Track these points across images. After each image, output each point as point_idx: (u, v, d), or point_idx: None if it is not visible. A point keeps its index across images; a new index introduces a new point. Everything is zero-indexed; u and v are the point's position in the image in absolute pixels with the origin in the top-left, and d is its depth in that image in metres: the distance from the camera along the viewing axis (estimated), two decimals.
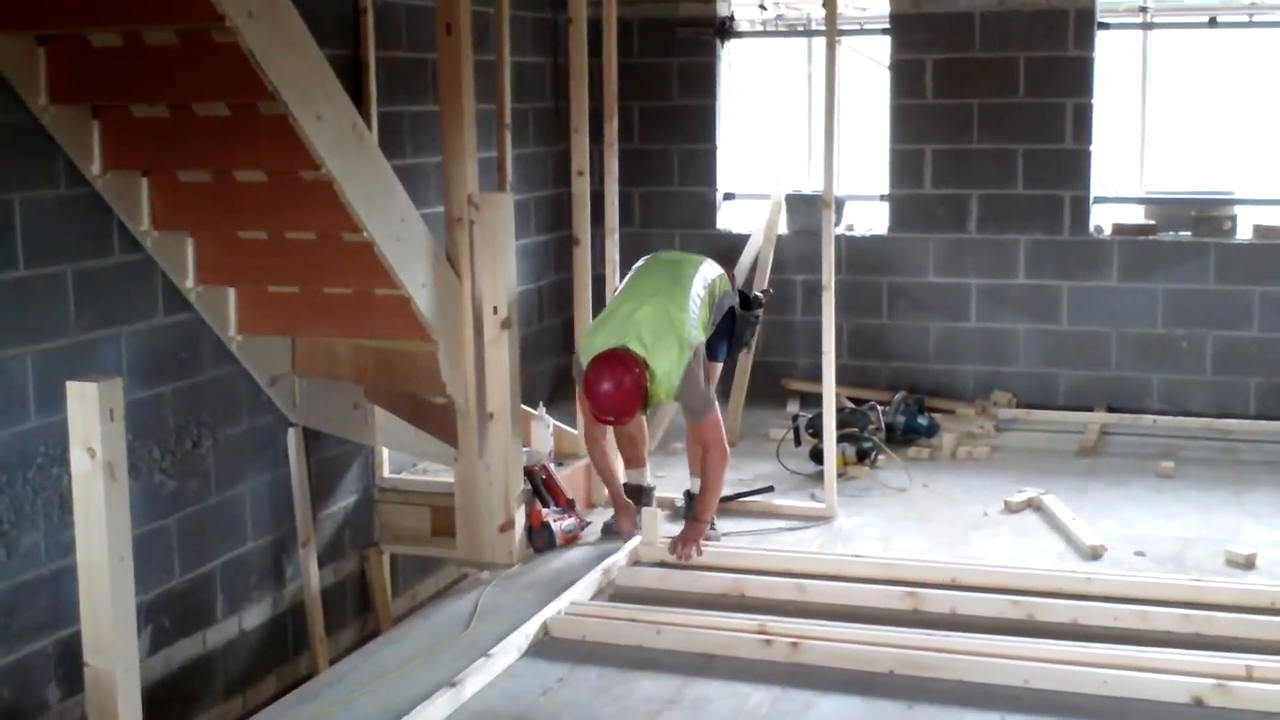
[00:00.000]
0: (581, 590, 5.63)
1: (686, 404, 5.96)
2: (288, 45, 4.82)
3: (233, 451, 6.00)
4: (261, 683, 6.19)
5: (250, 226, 5.70)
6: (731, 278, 6.43)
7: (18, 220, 4.98)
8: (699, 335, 5.93)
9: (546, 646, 5.21)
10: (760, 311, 6.55)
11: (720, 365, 6.39)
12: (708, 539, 6.22)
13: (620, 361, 5.70)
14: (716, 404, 6.05)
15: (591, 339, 5.92)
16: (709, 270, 6.20)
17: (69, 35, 5.00)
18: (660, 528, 6.13)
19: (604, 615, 5.39)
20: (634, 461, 6.45)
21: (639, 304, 5.90)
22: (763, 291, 6.92)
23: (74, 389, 3.98)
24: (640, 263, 6.39)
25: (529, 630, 5.21)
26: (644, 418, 6.33)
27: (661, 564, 5.99)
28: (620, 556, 6.00)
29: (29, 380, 5.02)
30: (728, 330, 6.32)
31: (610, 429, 6.25)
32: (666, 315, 5.85)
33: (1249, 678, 4.68)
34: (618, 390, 5.67)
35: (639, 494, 6.40)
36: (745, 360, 8.33)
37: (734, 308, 6.31)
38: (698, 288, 6.03)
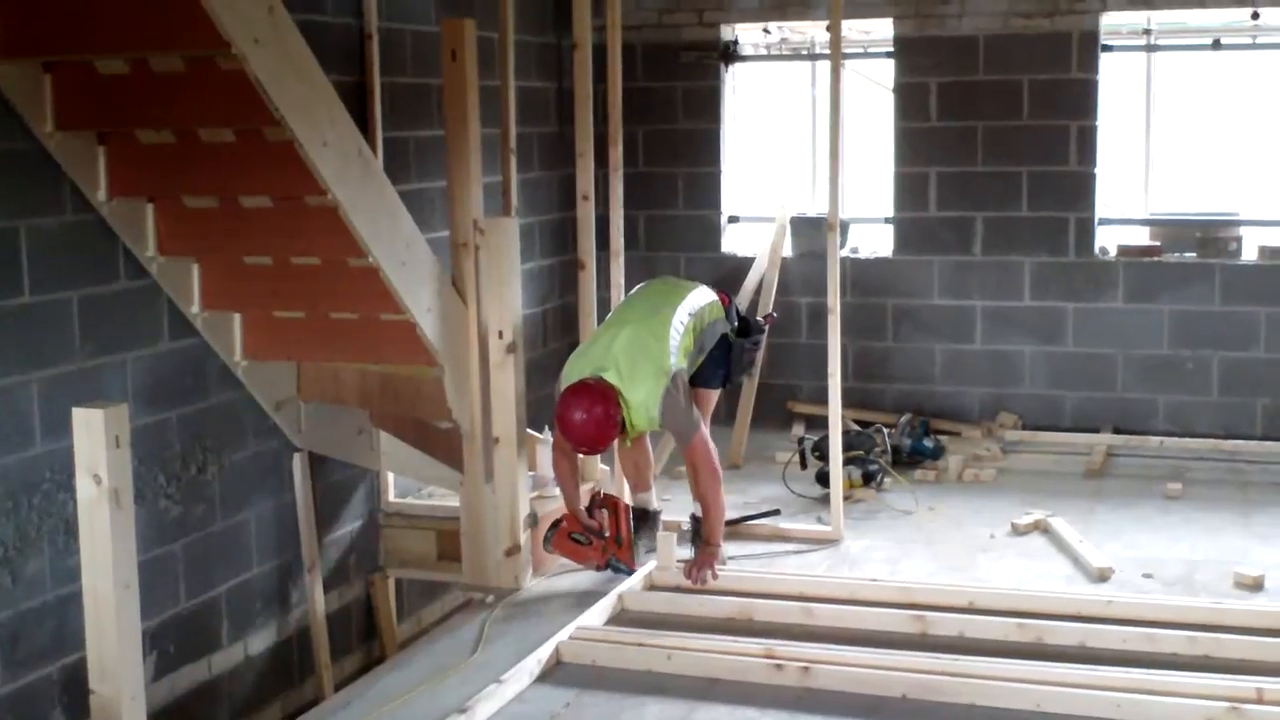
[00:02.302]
0: (594, 615, 5.62)
1: (671, 429, 5.96)
2: (293, 71, 4.82)
3: (238, 477, 6.00)
4: (266, 709, 6.17)
5: (255, 252, 5.70)
6: (728, 303, 6.37)
7: (23, 247, 4.98)
8: (679, 363, 5.90)
9: (553, 672, 5.19)
10: (762, 337, 6.51)
11: (716, 393, 6.34)
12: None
13: (592, 391, 5.71)
14: (703, 427, 6.01)
15: (570, 371, 5.93)
16: (699, 298, 6.18)
17: (75, 62, 5.00)
18: (673, 551, 6.10)
19: (612, 640, 5.37)
20: (640, 486, 6.43)
21: (617, 332, 5.91)
22: (765, 317, 6.89)
23: (80, 415, 3.98)
24: (637, 287, 6.43)
25: (541, 655, 5.19)
26: (646, 442, 6.31)
27: (677, 588, 5.97)
28: (635, 581, 5.98)
29: (34, 406, 5.02)
30: (723, 357, 6.26)
31: (616, 451, 6.24)
32: (643, 344, 5.85)
33: (1259, 700, 4.66)
34: (589, 420, 5.67)
35: (645, 518, 6.35)
36: (750, 384, 8.33)
37: (727, 336, 6.25)
38: (681, 315, 6.01)
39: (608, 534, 6.12)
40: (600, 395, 5.69)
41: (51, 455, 5.04)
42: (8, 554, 4.93)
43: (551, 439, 6.56)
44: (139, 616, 4.12)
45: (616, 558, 6.10)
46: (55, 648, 5.10)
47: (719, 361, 6.25)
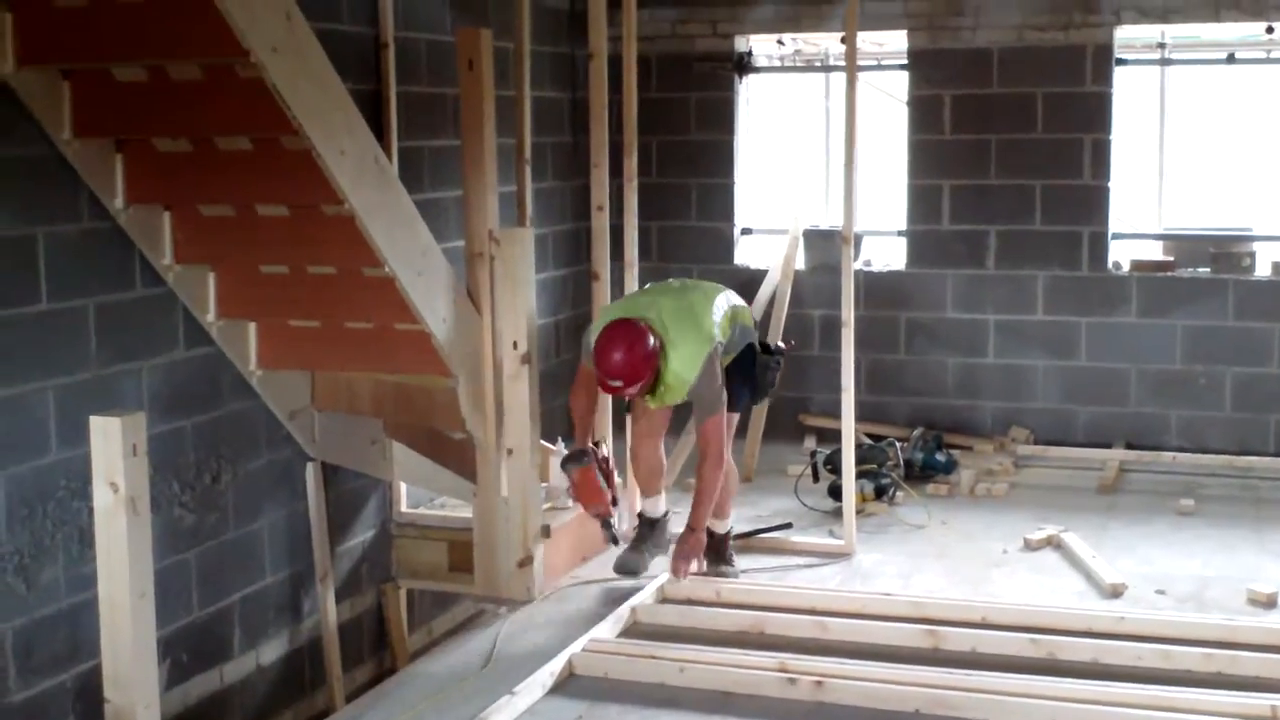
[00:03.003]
0: (606, 628, 5.61)
1: (698, 399, 5.81)
2: (311, 80, 4.84)
3: (252, 486, 6.00)
4: (277, 718, 6.17)
5: (272, 261, 5.71)
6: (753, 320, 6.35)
7: (40, 254, 4.99)
8: (720, 335, 5.82)
9: (566, 684, 5.18)
10: (781, 360, 6.44)
11: (736, 417, 6.17)
12: (723, 575, 6.20)
13: (635, 328, 5.64)
14: (725, 411, 5.89)
15: (608, 311, 5.86)
16: (733, 297, 6.14)
17: (94, 69, 5.02)
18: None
19: (625, 652, 5.37)
20: (650, 490, 6.31)
21: (659, 296, 5.89)
22: (785, 342, 6.83)
23: (97, 424, 3.98)
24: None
25: (554, 667, 5.18)
26: (661, 448, 6.25)
27: (689, 601, 5.94)
28: (647, 594, 5.97)
29: (50, 414, 5.02)
30: (749, 374, 6.13)
31: (629, 452, 6.17)
32: (689, 310, 5.81)
33: (1275, 718, 4.65)
34: (630, 353, 5.58)
35: (653, 526, 6.28)
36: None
37: (754, 345, 6.16)
38: (720, 302, 5.98)
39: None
40: (643, 332, 5.62)
41: (67, 463, 5.05)
42: (23, 561, 4.93)
43: (564, 448, 6.57)
44: (154, 625, 4.11)
45: (612, 518, 6.04)
46: (69, 655, 5.10)
47: (745, 378, 6.11)
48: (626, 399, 6.12)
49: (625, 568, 6.18)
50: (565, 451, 6.29)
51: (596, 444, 6.10)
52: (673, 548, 6.08)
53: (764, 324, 8.63)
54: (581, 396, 6.04)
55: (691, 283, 6.28)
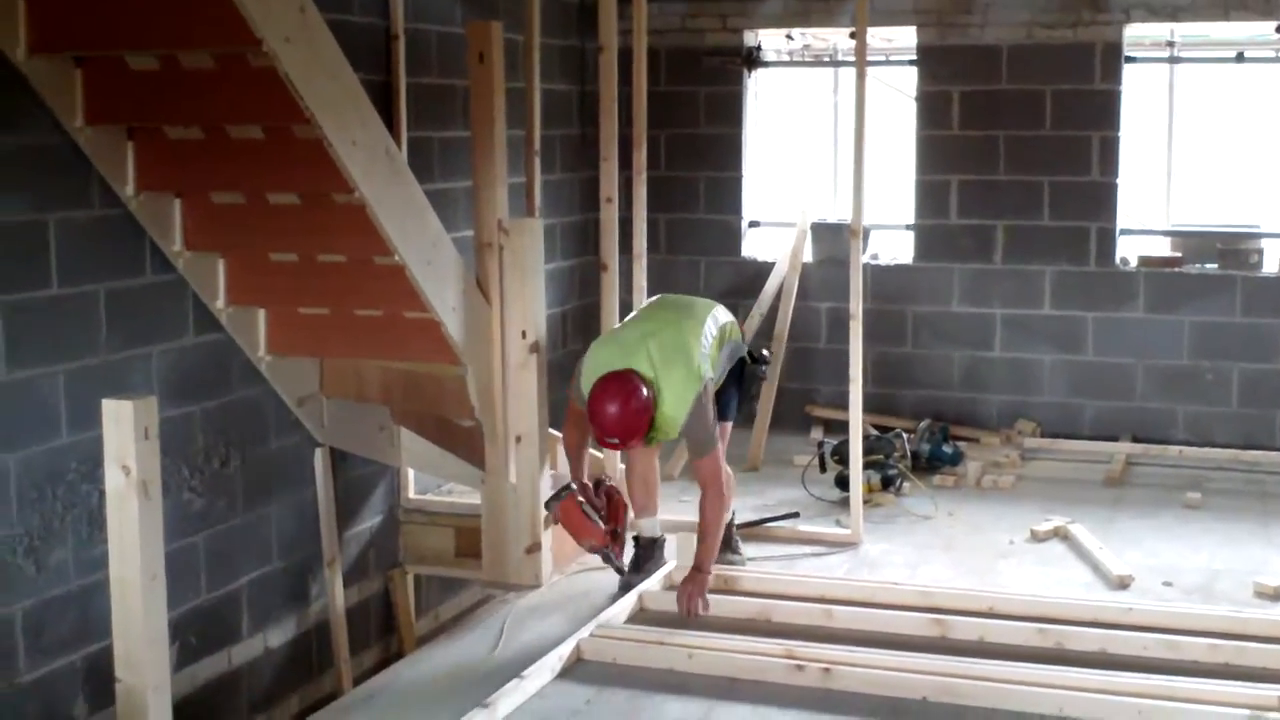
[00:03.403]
0: (614, 614, 5.63)
1: (690, 437, 5.77)
2: (323, 70, 4.85)
3: (260, 471, 6.02)
4: (285, 701, 6.19)
5: (282, 248, 5.73)
6: (741, 331, 6.26)
7: (52, 240, 5.01)
8: (709, 371, 5.75)
9: (574, 669, 5.20)
10: (765, 369, 6.39)
11: (729, 425, 6.11)
12: (729, 562, 6.21)
13: (627, 382, 5.55)
14: (720, 446, 5.82)
15: (597, 357, 5.75)
16: (721, 314, 6.06)
17: (106, 57, 5.04)
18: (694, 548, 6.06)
19: (634, 638, 5.39)
20: (647, 510, 6.21)
21: (651, 330, 5.77)
22: (766, 350, 6.79)
23: (109, 407, 4.00)
24: (648, 301, 6.37)
25: (562, 652, 5.21)
26: (656, 461, 6.19)
27: None
28: (654, 582, 5.98)
29: (60, 398, 5.04)
30: (736, 385, 6.09)
31: (625, 469, 6.16)
32: (679, 345, 5.70)
33: None
34: (624, 410, 5.49)
35: (651, 546, 6.20)
36: (769, 388, 8.34)
37: (744, 359, 6.12)
38: (710, 326, 5.89)
39: (607, 521, 5.91)
40: (635, 387, 5.53)
41: (77, 446, 5.07)
42: (32, 543, 4.96)
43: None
44: (165, 607, 4.14)
45: (613, 551, 5.93)
46: (78, 637, 5.12)
47: (733, 390, 6.06)
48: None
49: (629, 587, 6.02)
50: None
51: (599, 481, 6.03)
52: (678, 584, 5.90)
53: (770, 317, 8.67)
54: (572, 433, 5.93)
55: (683, 304, 6.13)
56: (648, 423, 5.59)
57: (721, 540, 5.99)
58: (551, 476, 6.27)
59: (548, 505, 5.92)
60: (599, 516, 5.87)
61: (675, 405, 5.62)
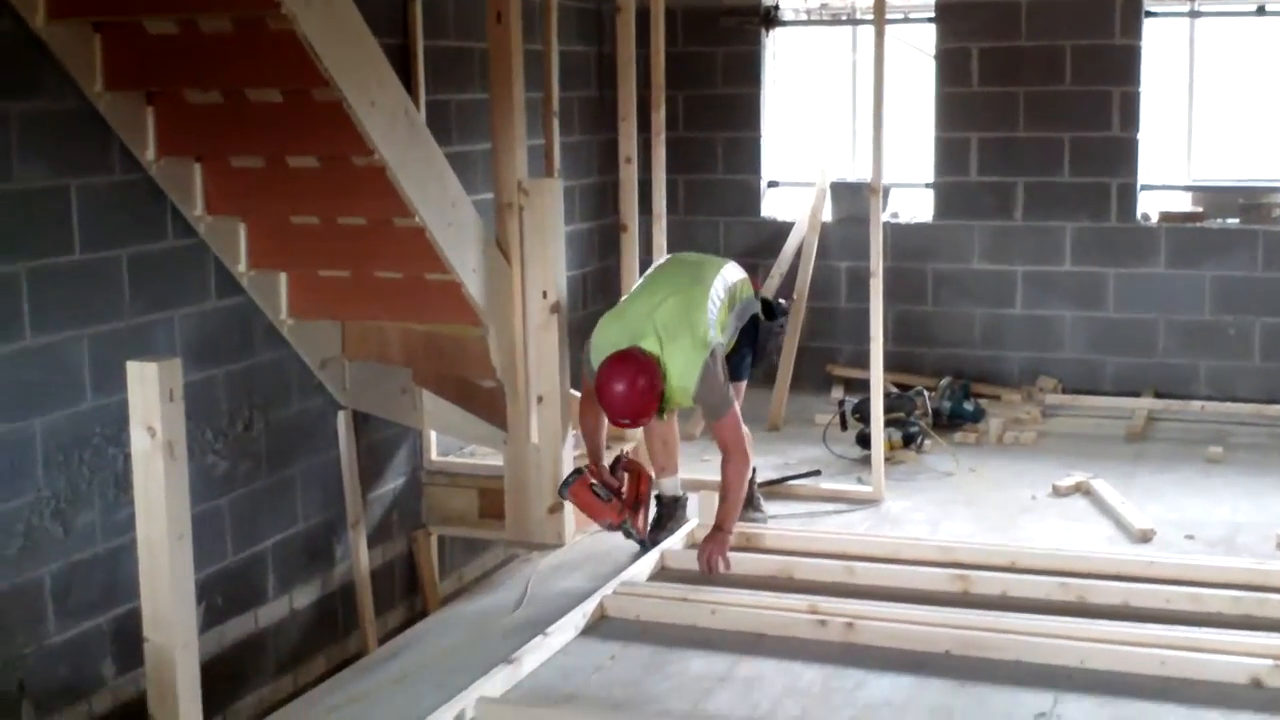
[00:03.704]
0: (636, 571, 5.65)
1: (704, 403, 5.75)
2: (342, 32, 4.85)
3: (284, 434, 6.06)
4: (312, 661, 6.25)
5: (302, 212, 5.74)
6: (756, 287, 6.22)
7: (74, 205, 5.03)
8: (717, 336, 5.72)
9: (598, 626, 5.24)
10: (785, 321, 6.34)
11: (744, 385, 6.10)
12: (751, 520, 6.22)
13: (634, 361, 5.53)
14: (737, 407, 5.80)
15: (604, 334, 5.75)
16: (731, 273, 6.01)
17: (125, 22, 5.04)
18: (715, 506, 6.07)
19: (658, 595, 5.42)
20: (667, 469, 6.23)
21: (656, 301, 5.73)
22: (785, 299, 6.73)
23: (134, 369, 4.02)
24: (659, 261, 6.36)
25: (586, 609, 5.24)
26: (675, 421, 6.17)
27: None
28: (676, 540, 6.00)
29: (85, 362, 5.08)
30: (750, 343, 6.07)
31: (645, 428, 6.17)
32: (684, 314, 5.67)
33: None
34: (631, 391, 5.47)
35: (674, 504, 6.23)
36: (790, 346, 8.34)
37: (757, 316, 6.08)
38: (718, 288, 5.84)
39: (625, 496, 5.93)
40: (643, 366, 5.52)
41: (102, 410, 5.11)
42: (59, 506, 5.00)
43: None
44: (192, 567, 4.17)
45: (630, 523, 5.92)
46: (106, 599, 5.17)
47: (746, 349, 6.04)
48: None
49: (650, 545, 6.04)
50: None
51: (619, 456, 6.05)
52: (699, 542, 5.92)
53: (790, 277, 8.67)
54: (589, 416, 5.92)
55: (692, 265, 6.08)
56: (657, 401, 5.57)
57: (744, 499, 5.99)
58: (574, 436, 6.27)
59: (560, 491, 5.92)
60: (614, 494, 5.87)
61: (684, 376, 5.60)
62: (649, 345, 5.60)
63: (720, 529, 5.80)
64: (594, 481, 5.84)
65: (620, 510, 5.87)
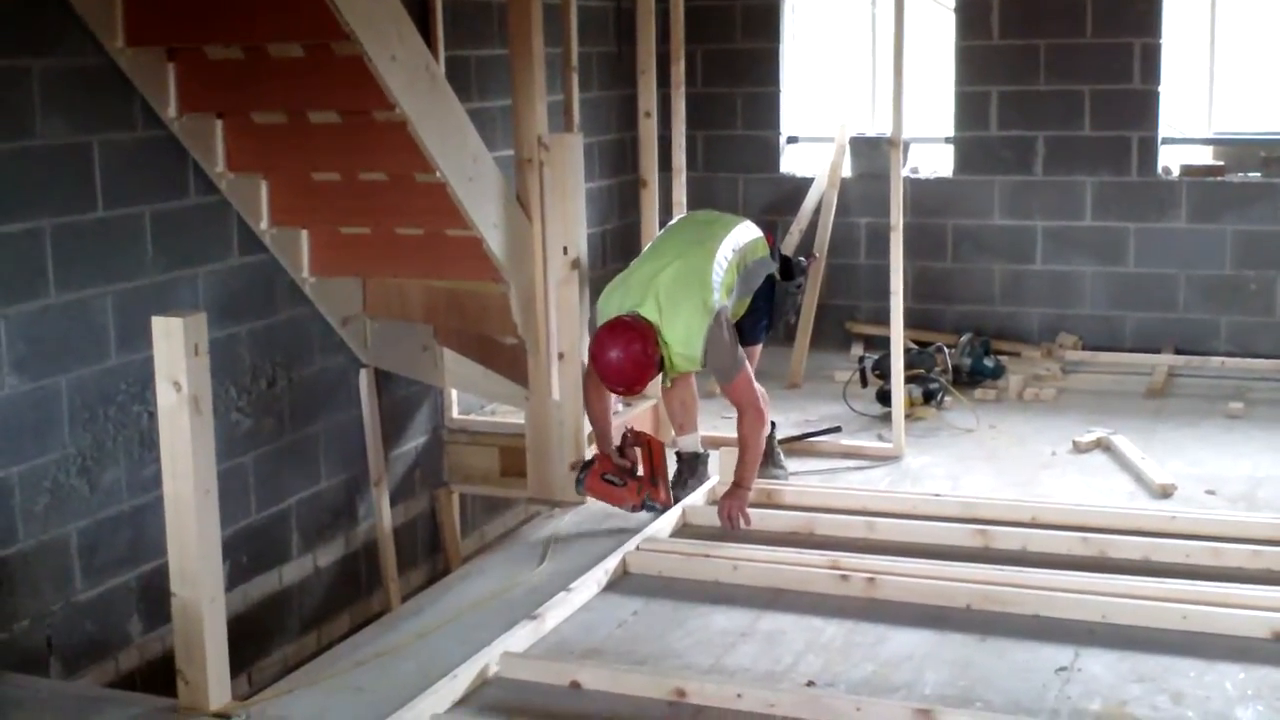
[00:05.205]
0: (658, 528, 5.66)
1: (714, 367, 5.70)
2: None
3: (306, 391, 6.08)
4: (336, 619, 6.29)
5: (323, 168, 5.76)
6: (772, 243, 6.10)
7: (96, 162, 5.05)
8: (722, 299, 5.65)
9: (621, 582, 5.26)
10: (804, 280, 6.28)
11: (758, 348, 6.05)
12: (774, 478, 6.23)
13: (628, 329, 5.48)
14: (748, 367, 5.74)
15: (607, 303, 5.70)
16: (742, 234, 5.93)
17: None
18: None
19: (680, 551, 5.44)
20: (686, 427, 6.20)
21: (659, 268, 5.68)
22: (807, 256, 6.66)
23: (159, 324, 4.05)
24: (676, 219, 6.32)
25: (609, 565, 5.26)
26: (693, 380, 6.10)
27: None
28: (698, 496, 6.02)
29: (109, 319, 5.10)
30: (766, 304, 5.99)
31: (660, 389, 6.15)
32: (685, 280, 5.61)
33: None
34: (626, 358, 5.43)
35: (695, 461, 6.21)
36: (809, 303, 8.33)
37: (773, 277, 6.00)
38: (725, 250, 5.77)
39: (641, 473, 5.89)
40: (638, 333, 5.47)
41: (126, 367, 5.14)
42: (85, 463, 5.03)
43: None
44: (218, 522, 4.20)
45: (651, 498, 5.86)
46: (132, 556, 5.21)
47: (762, 311, 5.98)
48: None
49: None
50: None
51: (626, 433, 5.98)
52: (719, 499, 5.89)
53: (810, 232, 8.65)
54: (596, 398, 5.85)
55: (701, 226, 6.00)
56: (653, 368, 5.53)
57: (763, 455, 6.00)
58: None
59: (577, 488, 5.87)
60: (628, 475, 5.83)
61: (687, 343, 5.55)
62: (648, 313, 5.55)
63: (739, 485, 5.80)
64: (605, 473, 5.81)
65: (639, 490, 5.83)
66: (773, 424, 6.22)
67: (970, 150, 8.87)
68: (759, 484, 5.93)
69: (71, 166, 4.96)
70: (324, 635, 6.19)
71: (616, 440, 5.97)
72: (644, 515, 5.79)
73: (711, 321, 5.55)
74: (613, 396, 5.96)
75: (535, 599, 5.01)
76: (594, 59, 8.46)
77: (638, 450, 5.95)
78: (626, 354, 5.44)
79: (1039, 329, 8.82)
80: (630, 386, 5.60)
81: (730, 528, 5.70)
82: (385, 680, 4.43)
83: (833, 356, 8.57)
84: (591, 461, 5.89)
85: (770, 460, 6.29)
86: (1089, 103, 8.58)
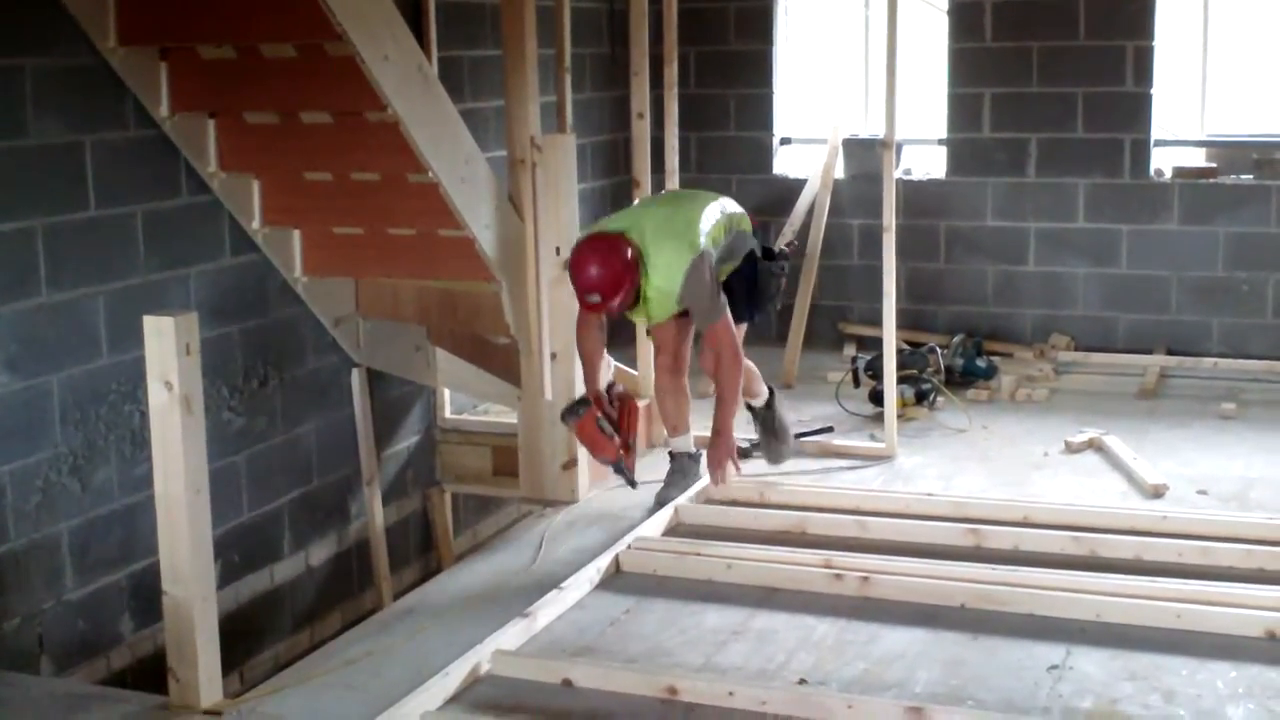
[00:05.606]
0: (651, 527, 5.67)
1: (693, 307, 5.60)
2: None
3: (298, 391, 6.08)
4: (327, 617, 6.29)
5: (316, 168, 5.76)
6: (757, 225, 6.13)
7: (88, 161, 5.06)
8: (708, 245, 5.57)
9: (613, 580, 5.26)
10: (785, 265, 6.29)
11: (743, 328, 5.97)
12: (781, 453, 6.30)
13: (610, 239, 5.41)
14: (729, 310, 5.66)
15: (589, 229, 5.68)
16: (730, 205, 5.93)
17: None
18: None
19: (672, 550, 5.44)
20: (679, 428, 6.13)
21: (644, 211, 5.72)
22: (787, 245, 6.67)
23: (151, 323, 4.05)
24: (659, 193, 6.37)
25: (601, 564, 5.26)
26: (685, 379, 6.11)
27: (732, 502, 5.97)
28: (690, 495, 6.01)
29: (101, 319, 5.11)
30: (748, 284, 5.94)
31: (654, 387, 6.17)
32: (673, 221, 5.57)
33: None
34: (603, 266, 5.32)
35: (687, 461, 6.15)
36: (802, 303, 8.34)
37: (755, 253, 5.96)
38: (714, 210, 5.76)
39: (622, 432, 5.78)
40: (616, 243, 5.37)
41: (118, 367, 5.14)
42: (77, 462, 5.03)
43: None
44: (210, 520, 4.20)
45: (625, 464, 5.81)
46: (124, 555, 5.21)
47: (745, 289, 5.92)
48: (616, 316, 5.73)
49: (664, 502, 5.99)
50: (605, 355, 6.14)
51: (611, 385, 5.89)
52: (704, 456, 5.96)
53: (802, 234, 8.65)
54: (587, 337, 5.77)
55: (686, 193, 6.08)
56: (631, 282, 5.39)
57: (770, 428, 6.00)
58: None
59: (564, 418, 5.80)
60: (614, 429, 5.76)
61: (668, 277, 5.45)
62: (631, 236, 5.47)
63: (719, 434, 5.76)
64: (599, 415, 5.72)
65: (618, 449, 5.76)
66: (771, 389, 6.27)
67: (963, 152, 8.88)
68: (755, 481, 5.94)
69: (63, 166, 4.97)
70: (316, 634, 6.20)
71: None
72: (636, 514, 5.80)
73: (695, 258, 5.48)
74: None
75: (527, 597, 5.01)
76: (587, 60, 8.47)
77: (620, 408, 5.81)
78: (605, 263, 5.33)
79: (1031, 330, 8.83)
80: (605, 296, 5.37)
81: (720, 481, 5.72)
82: (377, 678, 4.43)
83: (825, 357, 8.57)
84: (585, 402, 5.75)
85: (776, 434, 6.33)
86: (1082, 105, 8.58)
